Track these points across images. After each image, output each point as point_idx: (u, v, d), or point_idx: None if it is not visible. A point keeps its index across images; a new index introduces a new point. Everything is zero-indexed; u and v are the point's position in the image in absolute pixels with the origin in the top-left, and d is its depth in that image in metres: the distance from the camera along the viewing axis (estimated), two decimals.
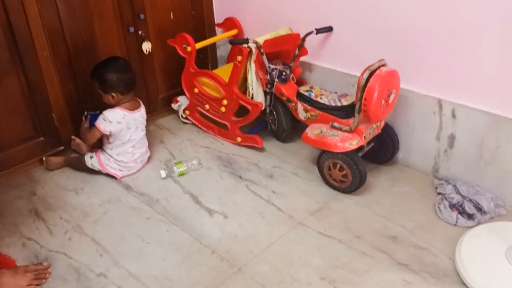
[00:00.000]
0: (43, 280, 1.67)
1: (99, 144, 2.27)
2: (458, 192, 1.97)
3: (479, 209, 1.88)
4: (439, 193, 2.02)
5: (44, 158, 2.30)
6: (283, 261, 1.74)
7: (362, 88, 1.87)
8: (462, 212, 1.88)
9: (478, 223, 1.85)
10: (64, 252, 1.81)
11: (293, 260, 1.74)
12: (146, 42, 2.52)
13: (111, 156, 2.20)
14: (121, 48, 2.46)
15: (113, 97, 2.14)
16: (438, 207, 1.93)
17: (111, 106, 2.16)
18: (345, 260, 1.73)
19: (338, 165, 2.02)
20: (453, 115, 1.98)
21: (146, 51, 2.53)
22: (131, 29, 2.46)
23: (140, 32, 2.50)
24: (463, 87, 1.93)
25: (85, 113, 2.38)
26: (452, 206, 1.91)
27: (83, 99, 2.40)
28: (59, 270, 1.72)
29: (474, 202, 1.90)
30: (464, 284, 1.60)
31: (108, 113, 2.13)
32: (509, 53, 1.75)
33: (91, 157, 2.23)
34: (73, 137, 2.38)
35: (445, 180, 2.07)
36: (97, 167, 2.22)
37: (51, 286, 1.66)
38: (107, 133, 2.13)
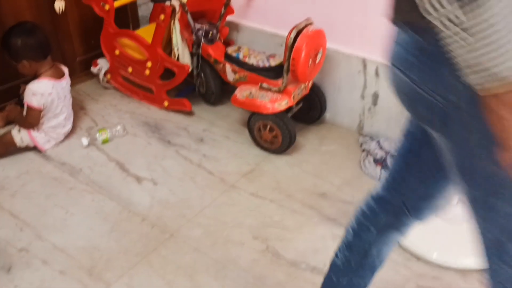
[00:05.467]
0: None
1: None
2: (381, 147, 2.05)
3: None
4: (364, 150, 2.10)
5: None
6: (216, 223, 1.73)
7: (290, 48, 1.86)
8: (385, 166, 1.97)
9: None
10: None
11: (226, 222, 1.74)
12: (58, 0, 2.32)
13: (42, 129, 2.04)
14: (30, 8, 2.25)
15: (26, 65, 1.96)
16: (363, 163, 2.01)
17: (33, 79, 1.98)
18: (277, 218, 1.76)
19: (268, 126, 2.02)
20: (377, 74, 2.04)
21: (59, 9, 2.33)
22: None
23: None
24: (386, 46, 1.97)
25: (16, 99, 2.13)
26: (376, 161, 1.99)
27: None
28: None
29: None
30: None
31: (35, 86, 1.95)
32: None
33: (19, 131, 2.03)
34: None
35: (369, 137, 2.15)
36: (26, 141, 2.03)
37: None
38: (42, 107, 1.96)
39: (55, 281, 1.51)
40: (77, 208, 1.79)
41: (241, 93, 2.07)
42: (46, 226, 1.70)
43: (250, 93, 2.04)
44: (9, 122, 2.15)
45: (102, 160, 2.04)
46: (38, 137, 2.05)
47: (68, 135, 2.17)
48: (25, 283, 1.50)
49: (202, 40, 2.21)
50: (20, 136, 2.03)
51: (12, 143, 2.03)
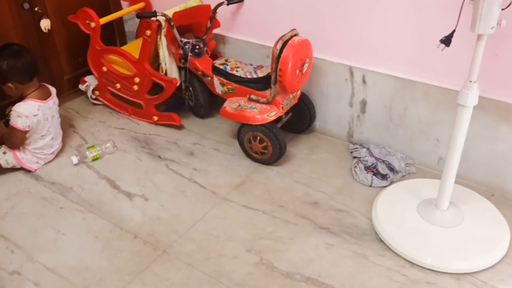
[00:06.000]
0: None
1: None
2: (371, 154, 2.06)
3: (391, 169, 1.98)
4: (354, 157, 2.10)
5: None
6: (208, 237, 1.72)
7: (277, 59, 1.87)
8: (376, 173, 1.97)
9: (391, 182, 1.95)
10: None
11: (219, 236, 1.73)
12: (44, 19, 2.31)
13: (28, 151, 2.02)
14: (15, 27, 2.25)
15: (12, 88, 1.95)
16: (354, 170, 2.01)
17: (19, 100, 1.97)
18: (270, 230, 1.75)
19: (258, 138, 2.02)
20: (364, 81, 2.05)
21: (45, 29, 2.33)
22: (26, 6, 2.24)
23: (36, 9, 2.29)
24: (371, 53, 1.99)
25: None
26: (367, 168, 1.99)
27: None
28: None
29: (387, 162, 2.00)
30: (381, 241, 1.68)
31: (20, 107, 1.94)
32: (411, 20, 1.83)
33: (4, 153, 2.02)
34: None
35: (359, 144, 2.15)
36: (12, 162, 2.02)
37: None
38: (27, 129, 1.95)
39: None
40: (68, 228, 1.77)
41: (230, 105, 2.07)
42: (37, 247, 1.68)
43: (239, 105, 2.04)
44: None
45: (93, 178, 2.03)
46: (24, 158, 2.03)
47: (58, 154, 2.16)
48: None
49: (189, 54, 2.21)
50: (5, 158, 2.02)
51: None
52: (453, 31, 1.43)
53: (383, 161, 2.01)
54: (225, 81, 2.15)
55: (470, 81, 1.48)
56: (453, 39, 1.43)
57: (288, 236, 1.72)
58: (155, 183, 1.99)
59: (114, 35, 2.71)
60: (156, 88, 2.31)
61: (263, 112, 1.98)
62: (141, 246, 1.69)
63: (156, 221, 1.79)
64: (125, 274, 1.58)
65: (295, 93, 2.08)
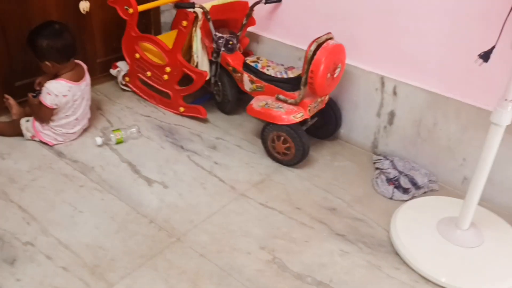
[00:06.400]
0: None
1: None
2: (394, 167, 2.02)
3: (414, 183, 1.95)
4: (377, 168, 2.07)
5: None
6: (223, 231, 1.71)
7: (309, 61, 1.86)
8: (398, 186, 1.94)
9: (413, 197, 1.92)
10: None
11: (233, 230, 1.72)
12: (83, 0, 2.35)
13: (48, 126, 2.06)
14: (57, 6, 2.28)
15: (49, 66, 1.98)
16: (376, 181, 1.98)
17: (53, 77, 2.01)
18: (285, 230, 1.73)
19: (282, 138, 2.01)
20: (394, 92, 2.02)
21: (84, 10, 2.37)
22: None
23: None
24: (405, 64, 1.97)
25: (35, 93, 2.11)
26: (389, 181, 1.96)
27: (15, 60, 2.20)
28: None
29: (410, 177, 1.97)
30: (397, 254, 1.65)
31: (52, 85, 1.96)
32: (449, 34, 1.80)
33: (27, 121, 2.08)
34: (6, 96, 2.19)
35: (383, 156, 2.12)
36: (31, 132, 2.06)
37: None
38: (54, 107, 1.98)
39: (57, 277, 1.49)
40: (85, 206, 1.78)
41: (257, 103, 2.06)
42: (53, 222, 1.70)
43: (266, 103, 2.04)
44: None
45: (115, 160, 2.05)
46: (42, 133, 2.06)
47: (83, 134, 2.18)
48: (27, 277, 1.49)
49: (222, 48, 2.22)
50: (26, 125, 2.07)
51: (19, 130, 2.08)
52: (493, 47, 1.40)
53: (406, 175, 1.98)
54: (255, 78, 2.15)
55: (506, 100, 1.44)
56: (491, 56, 1.41)
57: (303, 238, 1.70)
58: (176, 172, 1.99)
59: (149, 24, 2.74)
60: (185, 80, 2.33)
61: (289, 113, 1.97)
62: (155, 231, 1.69)
63: (173, 209, 1.79)
64: (137, 257, 1.58)
65: (323, 97, 2.06)
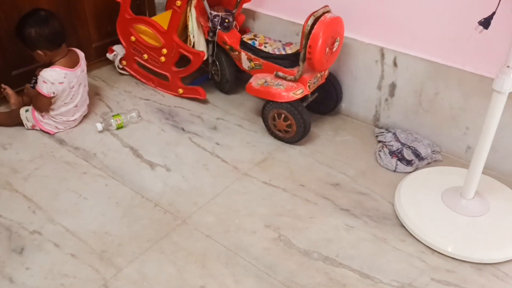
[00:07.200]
0: None
1: None
2: (397, 139, 2.01)
3: (417, 155, 1.94)
4: (379, 141, 2.06)
5: None
6: (228, 211, 1.72)
7: (307, 35, 1.83)
8: (401, 158, 1.93)
9: (416, 169, 1.91)
10: None
11: (238, 210, 1.72)
12: None
13: (50, 116, 2.05)
14: None
15: (41, 54, 1.96)
16: (379, 154, 1.98)
17: (48, 66, 1.99)
18: (290, 207, 1.74)
19: (283, 115, 2.00)
20: (395, 64, 1.99)
21: None
22: None
23: None
24: (405, 35, 1.93)
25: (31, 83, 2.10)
26: (392, 153, 1.96)
27: (10, 48, 2.18)
28: None
29: (413, 148, 1.96)
30: (403, 226, 1.65)
31: (47, 73, 1.95)
32: (450, 1, 1.76)
33: (27, 110, 2.07)
34: (3, 86, 2.18)
35: (385, 129, 2.11)
36: (31, 121, 2.06)
37: None
38: (52, 95, 1.97)
39: (66, 264, 1.51)
40: (89, 192, 1.79)
41: (256, 81, 2.04)
42: (58, 210, 1.71)
43: (265, 81, 2.01)
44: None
45: (116, 145, 2.04)
46: (42, 122, 2.06)
47: (83, 120, 2.18)
48: (36, 266, 1.50)
49: (218, 27, 2.19)
50: (25, 115, 2.06)
51: (19, 119, 2.07)
52: (493, 13, 1.37)
53: (409, 147, 1.97)
54: (252, 56, 2.12)
55: (508, 66, 1.42)
56: (492, 22, 1.38)
57: (308, 215, 1.71)
58: (178, 155, 1.99)
59: (144, 6, 2.69)
60: (182, 62, 2.30)
61: (289, 90, 1.95)
62: (161, 215, 1.70)
63: (177, 192, 1.80)
64: (144, 241, 1.59)
65: (323, 72, 2.04)
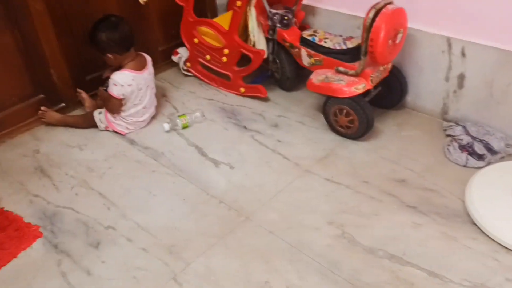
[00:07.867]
0: None
1: None
2: (467, 133, 1.92)
3: (489, 149, 1.84)
4: (448, 135, 1.98)
5: (41, 109, 2.26)
6: (290, 208, 1.73)
7: (368, 28, 1.80)
8: (472, 153, 1.84)
9: (489, 163, 1.82)
10: (72, 207, 1.81)
11: (301, 207, 1.73)
12: None
13: (119, 116, 2.17)
14: (117, 2, 2.37)
15: (111, 58, 2.08)
16: (447, 149, 1.90)
17: (118, 69, 2.11)
18: (353, 204, 1.72)
19: (345, 111, 1.97)
20: (463, 54, 1.90)
21: (143, 1, 2.44)
22: None
23: None
24: (473, 23, 1.84)
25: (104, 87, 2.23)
26: (462, 148, 1.87)
27: (83, 55, 2.33)
28: (68, 225, 1.73)
29: (484, 142, 1.86)
30: (474, 224, 1.58)
31: (117, 76, 2.07)
32: None
33: (100, 113, 2.21)
34: (78, 90, 2.34)
35: (454, 122, 2.02)
36: (104, 123, 2.19)
37: (60, 241, 1.66)
38: (122, 97, 2.09)
39: (138, 258, 1.59)
40: (159, 190, 1.87)
41: (316, 77, 2.03)
42: (130, 207, 1.80)
43: (326, 77, 2.00)
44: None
45: (182, 144, 2.12)
46: (114, 123, 2.18)
47: (151, 121, 2.28)
48: (111, 259, 1.60)
49: (278, 25, 2.20)
50: (99, 117, 2.19)
51: (93, 122, 2.21)
52: None
53: (481, 141, 1.87)
54: (312, 52, 2.11)
55: None
56: None
57: (372, 212, 1.68)
58: (241, 153, 2.03)
59: (205, 8, 2.77)
60: (243, 61, 2.34)
61: (351, 85, 1.92)
62: (225, 211, 1.74)
63: (240, 189, 1.84)
64: (210, 237, 1.64)
65: (386, 65, 1.99)
